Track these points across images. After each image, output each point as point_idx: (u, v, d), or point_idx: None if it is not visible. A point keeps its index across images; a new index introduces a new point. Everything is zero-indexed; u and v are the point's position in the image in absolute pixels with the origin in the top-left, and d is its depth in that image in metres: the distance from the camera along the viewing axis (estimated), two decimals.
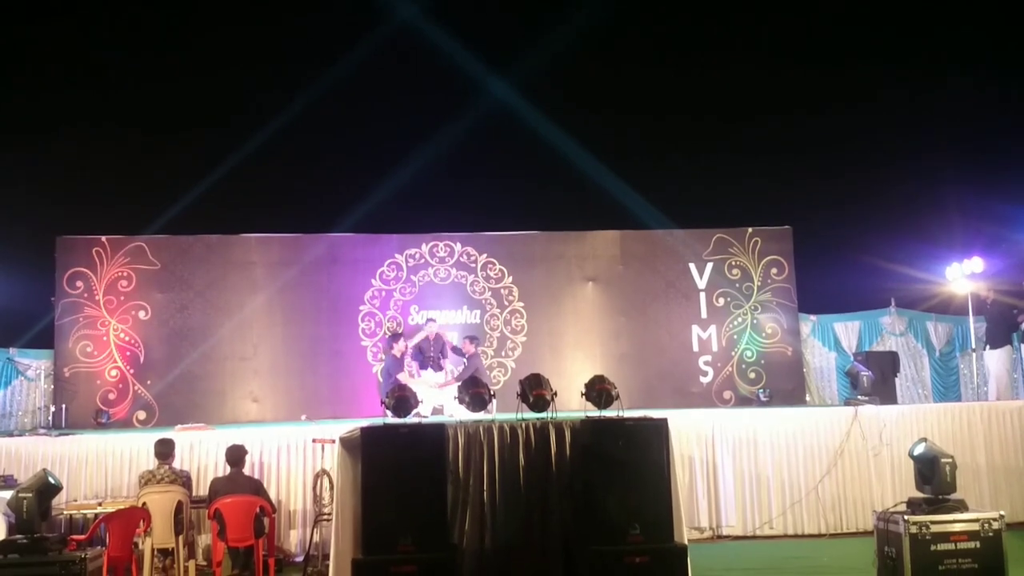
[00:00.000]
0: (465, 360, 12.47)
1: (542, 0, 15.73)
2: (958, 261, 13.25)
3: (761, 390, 13.65)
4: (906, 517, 8.04)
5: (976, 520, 8.00)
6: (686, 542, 7.47)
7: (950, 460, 8.33)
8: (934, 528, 7.94)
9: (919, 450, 8.63)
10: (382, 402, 8.24)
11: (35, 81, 14.49)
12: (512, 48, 15.21)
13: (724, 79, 15.85)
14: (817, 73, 15.88)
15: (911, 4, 15.73)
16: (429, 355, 12.51)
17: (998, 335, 12.28)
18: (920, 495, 8.49)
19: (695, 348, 14.08)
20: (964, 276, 13.18)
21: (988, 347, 12.45)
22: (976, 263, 12.87)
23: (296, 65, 15.03)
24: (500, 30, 15.49)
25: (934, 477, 8.28)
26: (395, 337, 12.51)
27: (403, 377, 11.91)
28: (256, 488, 8.75)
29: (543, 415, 8.09)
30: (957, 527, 7.98)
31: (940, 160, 15.18)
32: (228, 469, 8.90)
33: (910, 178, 15.28)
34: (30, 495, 6.94)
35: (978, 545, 7.85)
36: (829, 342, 14.57)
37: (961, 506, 8.22)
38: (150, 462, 9.08)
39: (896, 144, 15.66)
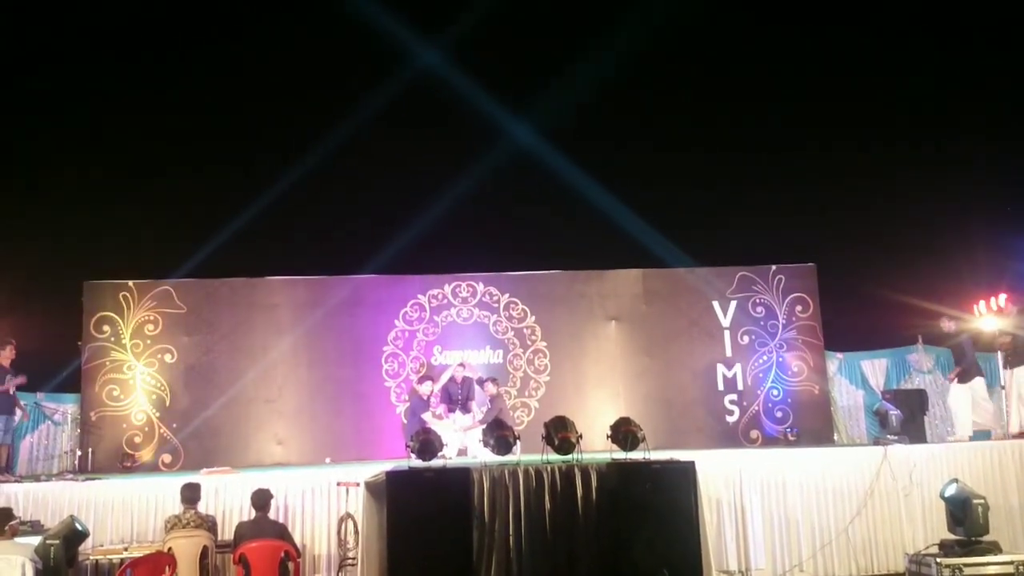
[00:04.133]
0: (489, 401, 12.44)
1: (560, 41, 15.84)
2: (985, 298, 13.11)
3: (788, 429, 13.51)
4: (938, 560, 7.97)
5: (1011, 563, 7.94)
6: None
7: (982, 501, 8.26)
8: (967, 571, 7.87)
9: (951, 491, 8.56)
10: (407, 445, 8.24)
11: (60, 127, 14.69)
12: (532, 89, 15.33)
13: (745, 116, 15.88)
14: (841, 109, 15.89)
15: (936, 38, 15.76)
16: (457, 398, 12.53)
17: (966, 369, 12.12)
18: (952, 537, 8.42)
19: (720, 387, 13.97)
20: (992, 312, 13.03)
21: (956, 381, 12.22)
22: (1003, 299, 12.75)
23: (319, 109, 15.17)
24: (520, 72, 15.61)
25: (966, 519, 8.21)
26: (422, 378, 12.53)
27: (428, 417, 11.92)
28: (281, 532, 8.74)
29: (568, 458, 8.07)
30: (991, 570, 7.91)
31: (967, 195, 15.10)
32: (253, 513, 8.89)
33: (936, 213, 15.19)
34: (57, 542, 6.99)
35: None
36: (856, 380, 14.41)
37: (994, 548, 8.14)
38: (176, 506, 9.10)
39: (921, 179, 15.58)
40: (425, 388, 12.32)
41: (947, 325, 12.36)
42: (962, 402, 12.03)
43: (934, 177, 15.21)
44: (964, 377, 12.10)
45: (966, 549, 8.06)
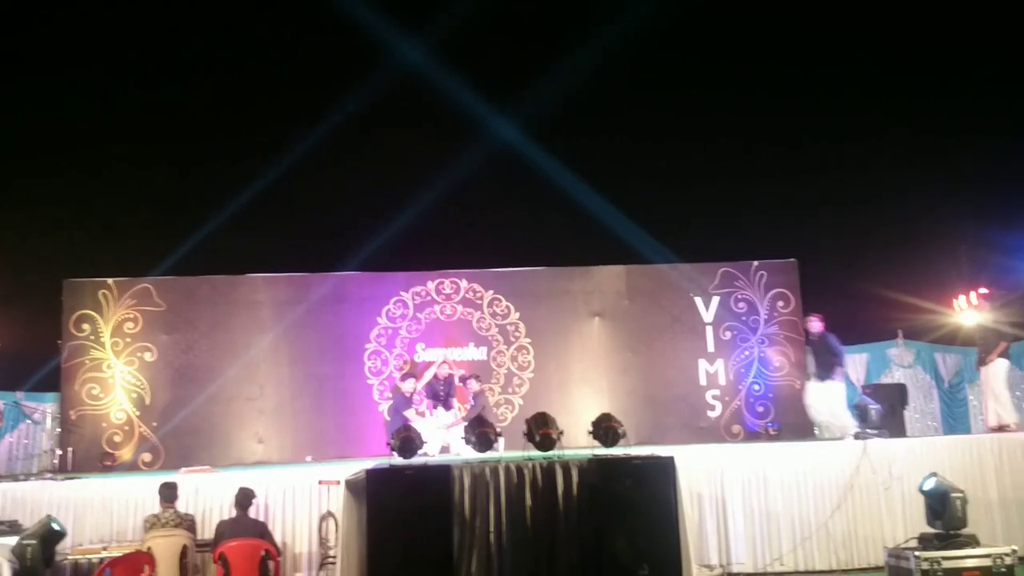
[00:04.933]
0: (472, 398, 12.44)
1: (544, 39, 15.84)
2: (965, 292, 13.18)
3: (769, 424, 13.55)
4: (917, 553, 8.00)
5: (988, 555, 7.97)
6: None
7: (961, 495, 8.29)
8: (946, 564, 7.90)
9: (929, 485, 8.59)
10: (388, 443, 8.23)
11: (40, 125, 14.60)
12: (516, 86, 15.33)
13: (727, 113, 15.93)
14: (822, 106, 15.97)
15: (916, 39, 15.84)
16: (440, 394, 12.52)
17: (825, 369, 11.88)
18: (931, 530, 8.45)
19: (703, 382, 14.01)
20: (971, 307, 13.11)
21: (816, 380, 11.92)
22: (983, 293, 12.81)
23: (301, 105, 15.15)
24: (504, 69, 15.61)
25: (945, 512, 8.24)
26: (405, 376, 12.51)
27: (411, 415, 11.89)
28: (261, 531, 8.69)
29: (550, 454, 8.07)
30: (969, 563, 7.95)
31: (946, 190, 15.19)
32: (234, 511, 8.86)
33: (916, 209, 15.28)
34: (34, 542, 6.95)
35: None
36: None
37: (973, 541, 8.17)
38: (155, 506, 9.04)
39: (902, 175, 15.68)
40: (408, 385, 12.27)
41: (813, 324, 12.13)
42: (836, 398, 11.78)
43: (914, 173, 15.31)
44: (828, 375, 11.81)
45: (945, 542, 8.09)
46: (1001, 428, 11.29)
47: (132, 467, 12.66)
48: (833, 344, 11.80)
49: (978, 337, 12.08)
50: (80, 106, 14.78)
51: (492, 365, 13.85)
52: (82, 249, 14.10)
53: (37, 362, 13.37)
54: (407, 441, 8.03)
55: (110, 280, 13.35)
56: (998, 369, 11.52)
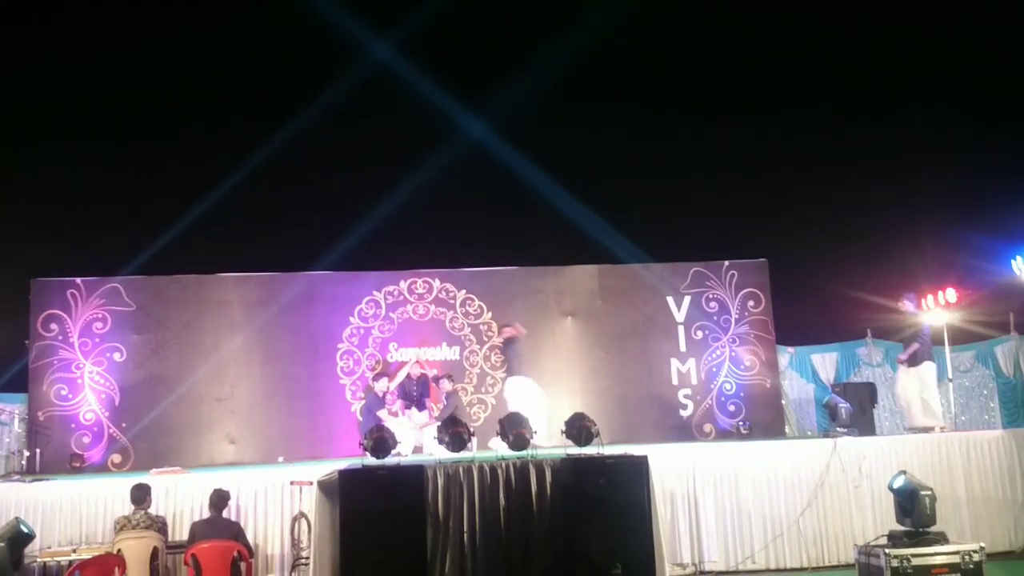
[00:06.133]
0: (445, 398, 12.43)
1: (517, 38, 15.84)
2: (932, 291, 13.31)
3: (741, 423, 13.63)
4: (887, 551, 8.09)
5: (957, 552, 8.08)
6: None
7: (929, 492, 8.40)
8: (915, 561, 8.00)
9: (898, 483, 8.69)
10: (361, 443, 8.21)
11: (9, 123, 14.42)
12: (488, 85, 15.31)
13: (698, 113, 16.02)
14: (792, 106, 16.08)
15: (883, 37, 16.00)
16: (413, 395, 12.50)
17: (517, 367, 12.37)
18: (900, 528, 8.55)
19: (675, 381, 14.04)
20: (939, 306, 13.24)
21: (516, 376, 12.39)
22: (951, 293, 12.95)
23: (272, 104, 15.03)
24: (476, 67, 15.60)
25: (914, 510, 8.34)
26: (378, 376, 12.47)
27: (383, 415, 11.87)
28: (235, 533, 8.65)
29: (523, 454, 8.09)
30: (938, 560, 8.05)
31: (915, 190, 15.35)
32: (208, 512, 8.81)
33: (885, 209, 15.44)
34: (1, 544, 6.86)
35: None
36: (807, 374, 14.61)
37: (941, 538, 8.28)
38: (125, 507, 8.97)
39: (871, 175, 15.83)
40: (381, 385, 12.26)
41: (507, 332, 12.58)
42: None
43: (882, 173, 15.45)
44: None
45: (914, 540, 8.19)
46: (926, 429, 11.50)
47: (102, 468, 12.52)
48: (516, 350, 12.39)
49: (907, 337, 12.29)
50: (47, 104, 14.60)
51: (465, 365, 13.83)
52: (50, 248, 13.92)
53: (4, 363, 13.17)
54: (380, 441, 8.01)
55: (78, 279, 13.18)
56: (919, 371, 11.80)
